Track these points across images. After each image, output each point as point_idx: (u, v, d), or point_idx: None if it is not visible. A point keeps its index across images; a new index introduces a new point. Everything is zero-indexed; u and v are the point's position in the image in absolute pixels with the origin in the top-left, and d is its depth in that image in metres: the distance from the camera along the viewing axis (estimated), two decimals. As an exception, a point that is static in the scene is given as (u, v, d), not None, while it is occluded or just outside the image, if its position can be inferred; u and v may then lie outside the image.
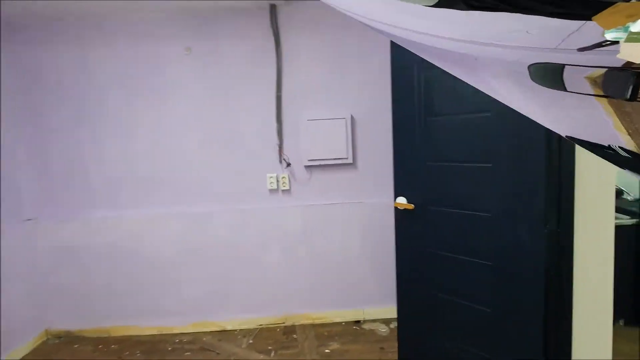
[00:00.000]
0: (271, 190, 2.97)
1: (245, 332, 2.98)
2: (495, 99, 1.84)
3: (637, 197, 2.92)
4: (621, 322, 2.68)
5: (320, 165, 2.95)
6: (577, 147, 1.77)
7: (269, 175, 2.94)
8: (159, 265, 2.97)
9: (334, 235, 3.01)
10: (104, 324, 3.04)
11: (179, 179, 2.92)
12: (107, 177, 2.92)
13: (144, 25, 2.81)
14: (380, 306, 3.03)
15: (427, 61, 2.11)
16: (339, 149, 2.90)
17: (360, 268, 3.03)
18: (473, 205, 2.01)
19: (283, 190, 2.97)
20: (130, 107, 2.87)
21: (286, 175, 2.95)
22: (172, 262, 2.97)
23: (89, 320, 3.04)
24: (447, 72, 2.06)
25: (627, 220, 2.64)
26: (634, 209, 2.75)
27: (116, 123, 2.89)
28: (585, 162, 1.77)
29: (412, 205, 2.23)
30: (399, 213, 2.32)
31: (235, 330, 3.01)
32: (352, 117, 2.91)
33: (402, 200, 2.27)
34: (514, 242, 1.88)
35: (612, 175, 1.81)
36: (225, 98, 2.88)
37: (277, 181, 2.95)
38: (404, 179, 2.29)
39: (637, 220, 2.63)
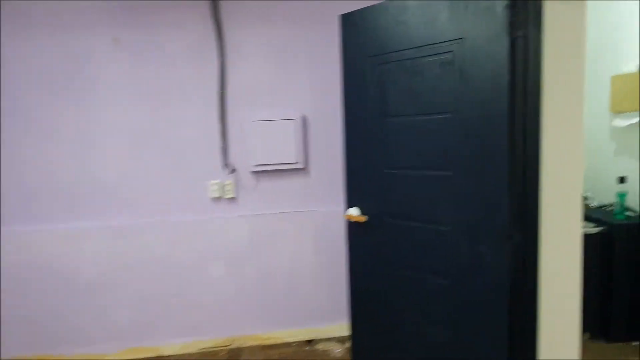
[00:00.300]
0: (214, 199, 2.66)
1: (186, 357, 2.66)
2: (455, 98, 1.60)
3: (602, 203, 2.81)
4: (586, 336, 2.55)
5: (269, 171, 2.67)
6: (544, 152, 1.58)
7: (211, 182, 2.64)
8: (84, 285, 2.60)
9: (284, 247, 2.74)
10: (25, 353, 2.64)
11: (105, 188, 2.57)
12: (22, 186, 2.52)
13: (66, 13, 2.44)
14: (334, 323, 2.79)
15: (380, 54, 1.89)
16: (289, 153, 2.64)
17: (312, 282, 2.77)
18: (431, 218, 1.79)
19: (228, 199, 2.68)
20: (49, 105, 2.49)
21: (231, 182, 2.65)
22: (99, 282, 2.61)
23: (6, 349, 2.63)
24: (402, 66, 1.83)
25: (591, 229, 2.50)
26: (597, 215, 2.62)
27: (33, 124, 2.49)
28: (551, 168, 1.59)
29: (365, 217, 1.99)
30: (351, 225, 2.09)
31: (174, 355, 2.69)
32: (303, 118, 2.65)
33: (354, 211, 2.03)
34: (475, 258, 1.67)
35: (579, 181, 1.64)
36: (160, 96, 2.55)
37: (221, 188, 2.65)
38: (356, 188, 2.05)
39: (602, 228, 2.51)
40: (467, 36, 1.58)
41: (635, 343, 2.51)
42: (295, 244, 2.74)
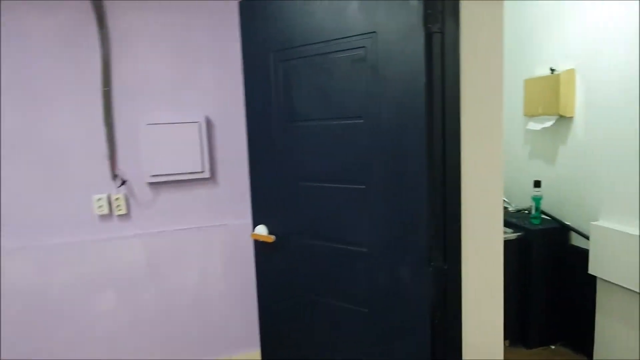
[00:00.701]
0: (102, 217, 2.25)
1: (69, 407, 2.22)
2: (368, 101, 1.36)
3: (518, 207, 2.81)
4: (506, 343, 2.52)
5: (168, 182, 2.31)
6: (463, 160, 1.43)
7: (96, 197, 2.22)
8: None
9: (189, 268, 2.39)
10: None
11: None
12: None
13: None
14: (251, 349, 2.50)
15: (286, 49, 1.64)
16: (193, 161, 2.30)
17: (224, 306, 2.46)
18: (346, 238, 1.58)
19: (119, 216, 2.27)
20: None
21: (121, 196, 2.25)
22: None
23: None
24: (310, 63, 1.58)
25: (510, 235, 2.47)
26: (515, 220, 2.60)
27: None
28: (470, 178, 1.44)
29: (273, 237, 1.73)
30: (259, 245, 1.82)
31: (54, 406, 2.23)
32: (208, 120, 2.33)
33: (261, 229, 1.77)
34: (394, 284, 1.48)
35: (499, 191, 1.52)
36: (26, 92, 2.09)
37: (109, 204, 2.24)
38: (263, 203, 1.79)
39: (519, 233, 2.48)
40: (380, 30, 1.38)
41: (553, 346, 2.53)
42: (202, 264, 2.41)
